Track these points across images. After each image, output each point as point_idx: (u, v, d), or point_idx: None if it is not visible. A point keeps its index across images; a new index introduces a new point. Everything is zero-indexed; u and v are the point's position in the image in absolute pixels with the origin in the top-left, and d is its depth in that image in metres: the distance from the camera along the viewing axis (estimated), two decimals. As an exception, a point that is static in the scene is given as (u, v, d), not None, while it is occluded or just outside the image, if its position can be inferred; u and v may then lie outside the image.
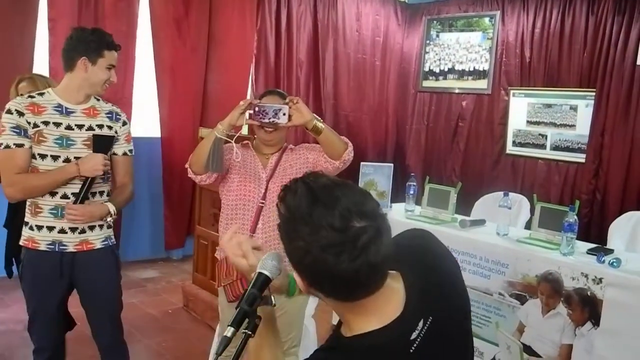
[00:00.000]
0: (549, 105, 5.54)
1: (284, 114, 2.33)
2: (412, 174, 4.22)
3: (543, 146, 5.61)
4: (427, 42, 6.66)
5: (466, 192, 4.04)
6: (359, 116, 6.61)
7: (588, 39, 5.24)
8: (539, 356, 3.03)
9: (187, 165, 2.51)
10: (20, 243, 2.50)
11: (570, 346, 2.90)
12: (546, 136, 5.58)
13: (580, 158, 5.30)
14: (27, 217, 2.48)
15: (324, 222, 1.06)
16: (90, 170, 2.39)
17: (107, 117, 2.55)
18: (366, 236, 1.05)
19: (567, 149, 5.43)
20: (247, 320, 1.27)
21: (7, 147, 2.34)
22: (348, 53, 6.43)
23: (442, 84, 6.54)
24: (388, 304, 1.15)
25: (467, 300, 1.36)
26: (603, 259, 2.90)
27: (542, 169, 5.64)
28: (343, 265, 1.05)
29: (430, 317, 1.16)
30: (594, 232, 4.98)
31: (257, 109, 2.35)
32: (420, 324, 1.14)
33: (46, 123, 2.40)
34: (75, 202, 2.42)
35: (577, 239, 3.06)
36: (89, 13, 4.72)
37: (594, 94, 5.14)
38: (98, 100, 2.57)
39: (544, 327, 3.00)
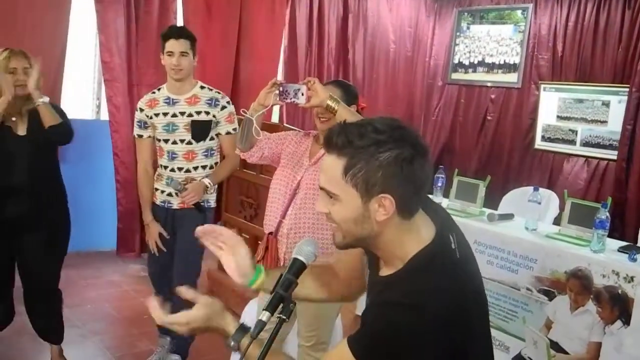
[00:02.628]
0: (581, 101, 5.46)
1: (302, 94, 2.30)
2: (441, 166, 4.20)
3: (573, 142, 5.53)
4: (458, 34, 6.60)
5: (492, 186, 4.01)
6: (387, 107, 6.58)
7: (623, 33, 5.15)
8: (566, 353, 3.00)
9: None
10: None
11: (599, 344, 2.86)
12: (576, 132, 5.50)
13: (611, 155, 5.23)
14: (155, 182, 3.16)
15: (390, 126, 1.24)
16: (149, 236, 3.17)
17: (207, 103, 3.02)
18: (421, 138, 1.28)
19: (598, 145, 5.35)
20: (282, 305, 1.29)
21: (136, 136, 3.16)
22: (378, 43, 6.41)
23: (471, 76, 6.48)
24: (422, 225, 1.32)
25: None
26: (635, 257, 2.86)
27: (571, 164, 5.56)
28: (418, 148, 1.24)
29: (454, 233, 1.35)
30: (623, 230, 4.91)
31: (281, 89, 2.37)
32: (452, 237, 1.33)
33: (157, 114, 3.03)
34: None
35: (606, 236, 3.03)
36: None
37: (627, 89, 5.05)
38: (203, 88, 3.07)
39: (572, 324, 2.97)
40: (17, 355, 3.29)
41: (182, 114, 3.01)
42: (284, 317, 1.28)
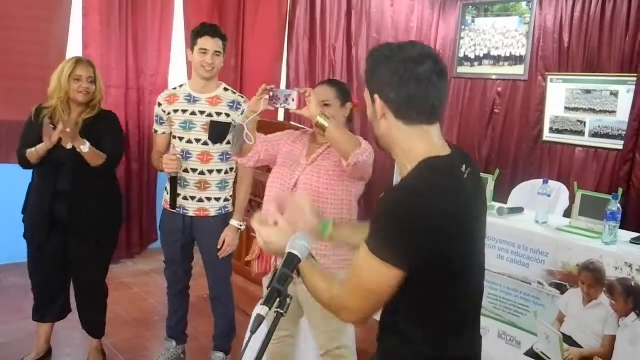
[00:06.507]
0: (588, 91, 5.40)
1: (293, 100, 2.31)
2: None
3: (581, 133, 5.48)
4: (463, 27, 6.55)
5: (501, 179, 3.98)
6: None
7: (630, 22, 5.08)
8: (579, 347, 2.98)
9: None
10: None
11: (614, 337, 2.84)
12: (585, 123, 5.45)
13: (620, 145, 5.16)
14: (168, 188, 3.07)
15: (409, 46, 1.46)
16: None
17: (229, 106, 2.98)
18: (438, 58, 1.44)
19: (607, 136, 5.30)
20: (278, 299, 1.33)
21: (153, 131, 3.13)
22: (382, 39, 6.37)
23: (477, 70, 6.43)
24: (439, 143, 1.45)
25: None
26: (648, 248, 2.83)
27: (580, 156, 5.51)
28: (425, 66, 1.39)
29: (469, 168, 1.46)
30: (635, 221, 4.85)
31: (271, 94, 2.36)
32: (464, 167, 1.44)
33: (176, 111, 2.99)
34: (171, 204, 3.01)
35: (618, 227, 2.99)
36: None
37: (635, 79, 4.99)
38: (226, 90, 3.02)
39: (586, 318, 2.94)
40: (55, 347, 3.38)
41: (202, 113, 2.96)
42: (282, 312, 1.32)
